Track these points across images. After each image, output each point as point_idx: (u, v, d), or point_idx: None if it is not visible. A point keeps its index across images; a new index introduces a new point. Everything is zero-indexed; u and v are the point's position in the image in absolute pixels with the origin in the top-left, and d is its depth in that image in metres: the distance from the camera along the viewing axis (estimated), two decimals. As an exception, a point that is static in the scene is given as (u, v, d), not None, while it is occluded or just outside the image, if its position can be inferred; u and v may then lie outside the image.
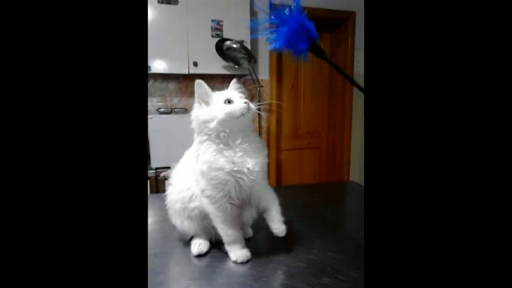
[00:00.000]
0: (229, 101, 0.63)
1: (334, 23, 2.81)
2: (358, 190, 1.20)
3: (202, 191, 0.64)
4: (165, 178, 1.10)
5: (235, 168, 0.62)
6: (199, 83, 0.64)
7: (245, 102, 0.62)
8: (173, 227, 0.73)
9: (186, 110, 2.31)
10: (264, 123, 2.62)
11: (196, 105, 0.65)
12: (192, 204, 0.67)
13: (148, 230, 0.82)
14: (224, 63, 2.16)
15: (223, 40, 2.07)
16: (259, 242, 0.76)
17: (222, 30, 2.16)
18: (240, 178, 0.63)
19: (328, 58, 0.58)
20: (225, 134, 0.62)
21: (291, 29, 0.53)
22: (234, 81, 0.71)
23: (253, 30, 0.65)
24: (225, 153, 0.62)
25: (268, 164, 0.69)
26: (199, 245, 0.69)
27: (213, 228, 0.69)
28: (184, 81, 2.40)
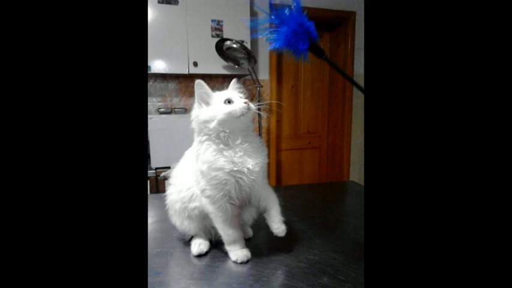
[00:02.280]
0: (229, 101, 0.63)
1: (334, 23, 2.81)
2: (358, 190, 1.20)
3: (202, 191, 0.64)
4: (165, 178, 1.10)
5: (235, 168, 0.62)
6: (199, 83, 0.64)
7: (245, 102, 0.62)
8: (173, 227, 0.73)
9: (186, 110, 2.31)
10: (264, 123, 2.62)
11: (196, 105, 0.65)
12: (192, 204, 0.67)
13: (148, 230, 0.82)
14: (224, 63, 2.17)
15: (223, 40, 2.08)
16: (259, 242, 0.76)
17: (222, 30, 2.16)
18: (240, 178, 0.63)
19: (328, 58, 0.58)
20: (225, 134, 0.62)
21: (291, 29, 0.53)
22: (234, 81, 0.71)
23: (253, 30, 0.65)
24: (225, 153, 0.62)
25: (268, 164, 0.69)
26: (199, 245, 0.69)
27: (213, 228, 0.69)
28: (184, 81, 2.40)
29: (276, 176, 2.78)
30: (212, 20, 2.14)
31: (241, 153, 0.63)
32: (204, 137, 0.63)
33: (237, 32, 2.16)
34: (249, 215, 0.73)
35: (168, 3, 2.04)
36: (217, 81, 2.43)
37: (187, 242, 0.73)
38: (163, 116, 2.15)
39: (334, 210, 1.01)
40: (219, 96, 0.65)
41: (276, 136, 2.75)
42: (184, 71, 2.13)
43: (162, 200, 0.75)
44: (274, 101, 2.55)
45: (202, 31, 2.13)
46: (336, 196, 1.22)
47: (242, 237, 0.68)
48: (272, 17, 0.54)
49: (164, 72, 2.10)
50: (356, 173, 2.92)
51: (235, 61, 2.14)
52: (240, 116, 0.62)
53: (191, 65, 2.12)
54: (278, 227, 0.66)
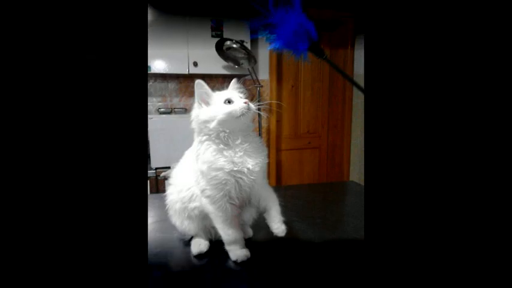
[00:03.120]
0: (229, 101, 0.63)
1: (334, 22, 2.81)
2: (358, 190, 1.20)
3: (202, 191, 0.64)
4: (165, 178, 1.10)
5: (235, 168, 0.62)
6: (199, 83, 0.64)
7: (245, 102, 0.62)
8: (173, 227, 0.73)
9: (186, 110, 2.31)
10: (264, 123, 2.62)
11: (196, 105, 0.65)
12: (192, 204, 0.67)
13: (148, 230, 0.82)
14: (224, 63, 2.17)
15: (223, 40, 2.07)
16: (259, 242, 0.76)
17: (222, 30, 2.16)
18: (240, 178, 0.63)
19: (328, 58, 0.58)
20: (225, 134, 0.62)
21: (291, 29, 0.53)
22: (234, 81, 0.71)
23: (253, 30, 0.65)
24: (225, 153, 0.62)
25: (268, 164, 0.69)
26: (199, 245, 0.69)
27: (213, 228, 0.69)
28: (184, 81, 2.40)
29: (276, 176, 2.78)
30: (212, 20, 2.14)
31: (241, 153, 0.63)
32: (204, 137, 0.63)
33: (237, 32, 2.16)
34: (249, 215, 0.73)
35: (168, 3, 2.04)
36: (217, 81, 2.43)
37: (187, 242, 0.73)
38: (163, 116, 2.15)
39: (334, 210, 1.01)
40: (219, 96, 0.65)
41: (276, 136, 2.75)
42: (184, 71, 2.13)
43: (162, 200, 0.75)
44: (274, 101, 2.55)
45: (202, 31, 2.13)
46: (336, 196, 1.22)
47: (242, 237, 0.68)
48: (272, 17, 0.55)
49: (164, 72, 2.10)
50: (356, 173, 2.92)
51: (235, 61, 2.14)
52: (240, 116, 0.62)
53: (191, 65, 2.13)
54: (278, 227, 0.66)
